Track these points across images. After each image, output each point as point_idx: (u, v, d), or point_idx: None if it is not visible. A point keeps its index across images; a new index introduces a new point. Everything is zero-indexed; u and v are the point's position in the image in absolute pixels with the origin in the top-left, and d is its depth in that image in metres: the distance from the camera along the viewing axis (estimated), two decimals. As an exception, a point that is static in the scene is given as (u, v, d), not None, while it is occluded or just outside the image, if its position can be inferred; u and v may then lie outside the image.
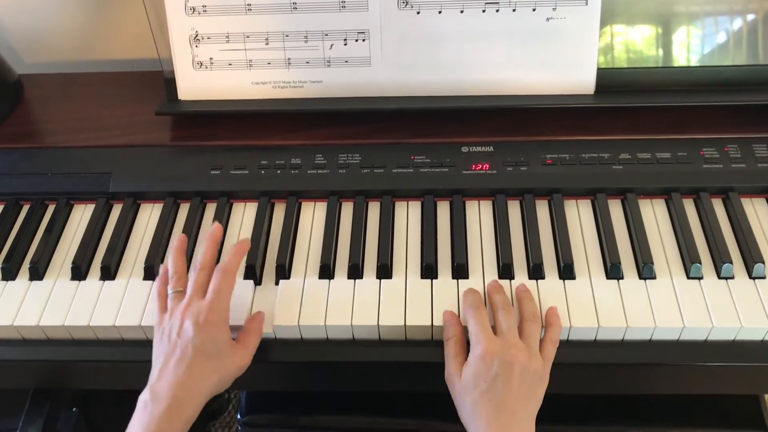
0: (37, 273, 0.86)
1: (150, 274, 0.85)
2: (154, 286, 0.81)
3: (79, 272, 0.85)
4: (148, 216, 0.92)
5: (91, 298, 0.83)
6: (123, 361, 0.82)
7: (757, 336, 0.77)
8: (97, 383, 0.89)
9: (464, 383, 0.72)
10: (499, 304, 0.76)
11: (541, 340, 0.76)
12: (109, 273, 0.85)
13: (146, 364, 0.81)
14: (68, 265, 0.86)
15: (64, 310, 0.82)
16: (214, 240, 0.80)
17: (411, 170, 0.90)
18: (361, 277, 0.83)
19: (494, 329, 0.75)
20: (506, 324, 0.74)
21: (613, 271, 0.81)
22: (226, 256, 0.78)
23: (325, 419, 1.00)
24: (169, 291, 0.77)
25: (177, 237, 0.82)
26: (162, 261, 0.86)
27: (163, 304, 0.77)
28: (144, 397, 0.71)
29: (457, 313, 0.78)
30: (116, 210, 0.92)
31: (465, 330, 0.76)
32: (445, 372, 0.75)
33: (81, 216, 0.93)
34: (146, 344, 0.81)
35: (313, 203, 0.91)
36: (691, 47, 0.93)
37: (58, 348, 0.83)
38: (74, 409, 1.00)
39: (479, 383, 0.70)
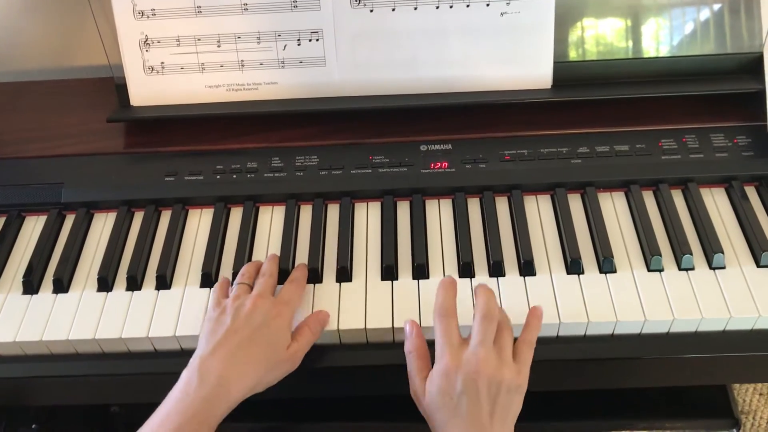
0: (-13, 288, 0.84)
1: (104, 285, 0.83)
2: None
3: (30, 286, 0.83)
4: (102, 226, 0.90)
5: (44, 312, 0.81)
6: (79, 376, 0.80)
7: (719, 326, 0.77)
8: (53, 399, 0.86)
9: (431, 400, 0.68)
10: (481, 312, 0.71)
11: (517, 341, 0.72)
12: (62, 286, 0.83)
13: (103, 378, 0.80)
14: (19, 279, 0.84)
15: (16, 325, 0.80)
16: (276, 258, 0.82)
17: (370, 171, 0.89)
18: (321, 281, 0.82)
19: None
20: (480, 336, 0.69)
21: (573, 267, 0.80)
22: (294, 270, 0.81)
23: (290, 426, 0.98)
24: (235, 283, 0.78)
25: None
26: (116, 272, 0.84)
27: (222, 292, 0.78)
28: (190, 372, 0.69)
29: (419, 316, 0.77)
30: (69, 221, 0.90)
31: (428, 340, 0.74)
32: (410, 388, 0.72)
33: (33, 228, 0.90)
34: (102, 357, 0.80)
35: (271, 207, 0.89)
36: (647, 39, 0.93)
37: (10, 365, 0.80)
38: (33, 426, 0.97)
39: (446, 401, 0.67)
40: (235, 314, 0.73)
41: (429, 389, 0.69)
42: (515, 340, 0.73)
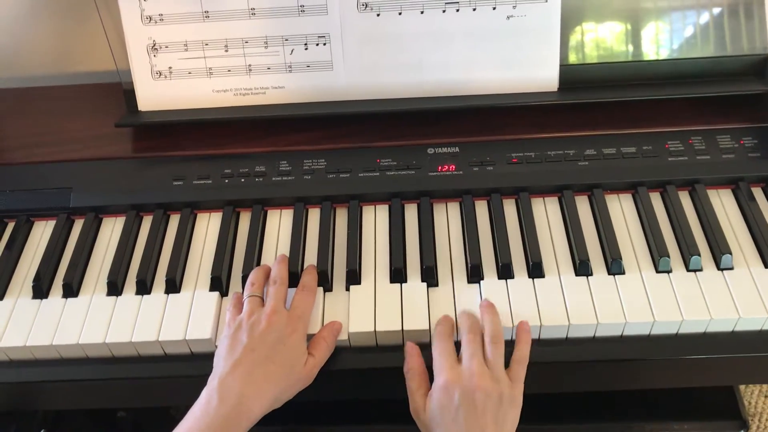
0: (-3, 293, 0.84)
1: (114, 289, 0.83)
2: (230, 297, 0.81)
3: (40, 290, 0.83)
4: (111, 230, 0.90)
5: (54, 317, 0.81)
6: (89, 380, 0.80)
7: (727, 327, 0.77)
8: (63, 403, 0.87)
9: (430, 416, 0.71)
10: (465, 329, 0.75)
11: (510, 361, 0.74)
12: (71, 290, 0.83)
13: (113, 382, 0.80)
14: (29, 283, 0.84)
15: (26, 329, 0.80)
16: (285, 260, 0.82)
17: (377, 174, 0.89)
18: (330, 284, 0.82)
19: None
20: (470, 350, 0.72)
21: (582, 268, 0.80)
22: (304, 274, 0.81)
23: (300, 429, 0.98)
24: (246, 296, 0.78)
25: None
26: (126, 276, 0.85)
27: (237, 309, 0.78)
28: (210, 391, 0.69)
29: (427, 319, 0.78)
30: (78, 225, 0.90)
31: (427, 358, 0.75)
32: (410, 406, 0.74)
33: (42, 233, 0.91)
34: (112, 361, 0.80)
35: (279, 211, 0.90)
36: (653, 41, 0.93)
37: (20, 369, 0.80)
38: (42, 431, 0.97)
39: (444, 415, 0.69)
40: (251, 332, 0.73)
41: (429, 405, 0.71)
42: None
